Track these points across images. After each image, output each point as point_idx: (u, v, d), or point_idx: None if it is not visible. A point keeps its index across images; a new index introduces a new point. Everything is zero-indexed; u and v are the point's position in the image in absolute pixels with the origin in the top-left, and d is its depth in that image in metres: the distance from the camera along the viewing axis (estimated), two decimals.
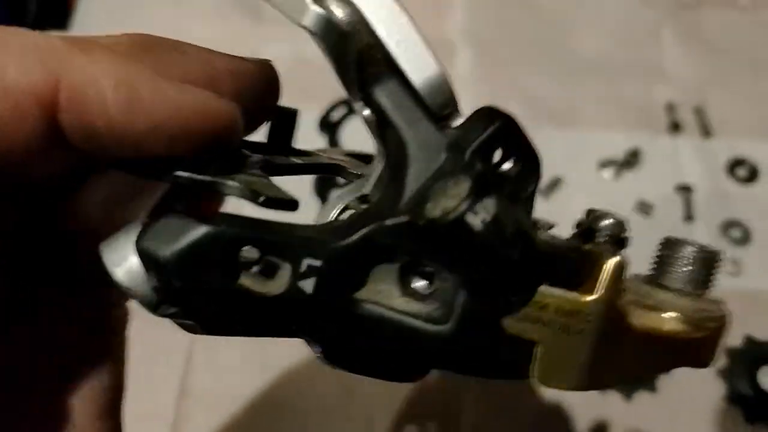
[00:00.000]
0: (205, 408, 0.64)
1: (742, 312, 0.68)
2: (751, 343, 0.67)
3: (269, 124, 0.32)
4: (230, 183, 0.24)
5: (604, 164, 0.78)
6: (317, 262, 0.24)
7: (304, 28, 0.26)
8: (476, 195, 0.24)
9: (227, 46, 0.33)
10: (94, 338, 0.31)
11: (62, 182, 0.28)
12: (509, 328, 0.26)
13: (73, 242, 0.29)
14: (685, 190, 0.76)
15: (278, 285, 0.24)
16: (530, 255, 0.25)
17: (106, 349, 0.32)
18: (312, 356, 0.28)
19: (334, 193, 0.30)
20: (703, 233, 0.74)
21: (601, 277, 0.26)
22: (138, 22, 0.81)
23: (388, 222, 0.25)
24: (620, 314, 0.27)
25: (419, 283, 0.26)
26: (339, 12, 0.26)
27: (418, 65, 0.26)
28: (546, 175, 0.76)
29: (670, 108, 0.81)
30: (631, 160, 0.78)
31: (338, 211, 0.28)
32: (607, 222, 0.28)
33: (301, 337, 0.26)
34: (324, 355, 0.26)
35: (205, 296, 0.24)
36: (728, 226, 0.74)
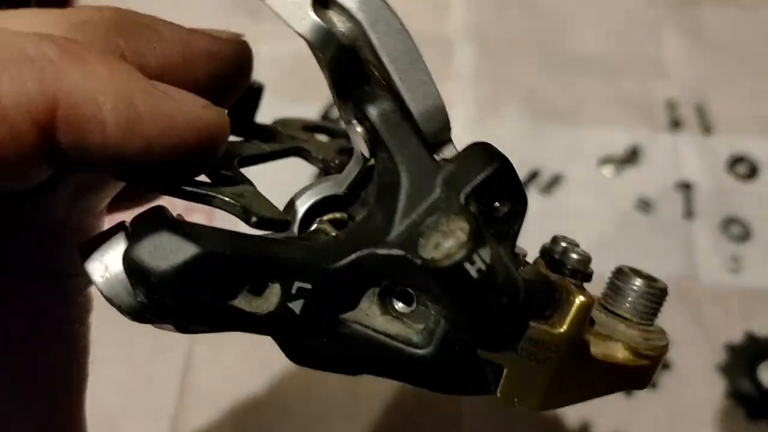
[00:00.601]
0: (205, 406, 0.64)
1: (742, 309, 0.69)
2: (751, 339, 0.67)
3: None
4: (225, 199, 0.25)
5: (605, 161, 0.78)
6: (307, 285, 0.25)
7: (302, 37, 0.25)
8: (474, 243, 0.24)
9: None
10: (55, 328, 0.30)
11: (40, 185, 0.27)
12: (482, 354, 0.27)
13: (36, 232, 0.29)
14: (685, 187, 0.76)
15: (267, 304, 0.25)
16: (517, 301, 0.26)
17: (68, 339, 0.31)
18: None
19: (303, 188, 0.30)
20: (704, 230, 0.74)
21: (569, 313, 0.27)
22: None
23: (381, 251, 0.25)
24: (583, 346, 0.28)
25: (399, 305, 0.27)
26: (341, 25, 0.26)
27: (417, 92, 0.26)
28: (546, 172, 0.77)
29: (671, 105, 0.81)
30: (631, 157, 0.78)
31: (308, 206, 0.28)
32: (574, 256, 0.29)
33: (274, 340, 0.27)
34: (294, 359, 0.27)
35: (194, 312, 0.24)
36: (728, 222, 0.74)
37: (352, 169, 0.29)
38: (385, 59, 0.25)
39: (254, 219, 0.24)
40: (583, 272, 0.29)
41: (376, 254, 0.25)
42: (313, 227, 0.28)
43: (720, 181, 0.77)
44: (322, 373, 0.27)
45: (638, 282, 0.30)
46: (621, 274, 0.30)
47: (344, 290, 0.26)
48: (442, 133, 0.26)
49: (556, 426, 0.64)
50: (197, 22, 0.29)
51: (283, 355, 0.27)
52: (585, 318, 0.28)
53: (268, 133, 0.33)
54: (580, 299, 0.27)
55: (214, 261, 0.23)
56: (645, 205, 0.75)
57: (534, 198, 0.75)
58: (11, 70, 0.21)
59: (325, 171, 0.32)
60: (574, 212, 0.75)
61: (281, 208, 0.28)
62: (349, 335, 0.26)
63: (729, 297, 0.70)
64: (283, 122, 0.34)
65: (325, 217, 0.28)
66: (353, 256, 0.25)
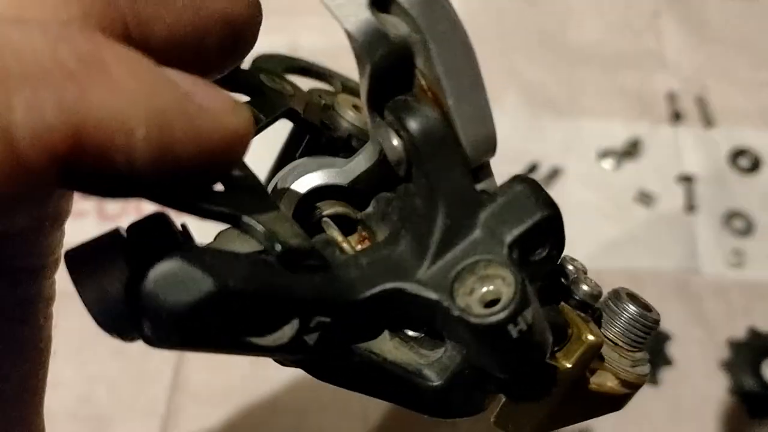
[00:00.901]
0: (197, 402, 0.63)
1: (745, 303, 0.68)
2: (754, 335, 0.66)
3: None
4: (247, 221, 0.22)
5: (604, 154, 0.77)
6: (327, 319, 0.23)
7: (349, 34, 0.23)
8: (520, 305, 0.22)
9: None
10: (9, 325, 0.27)
11: None
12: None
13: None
14: (686, 180, 0.75)
15: (281, 337, 0.22)
16: (545, 356, 0.25)
17: (25, 336, 0.28)
18: None
19: (295, 163, 0.28)
20: (705, 224, 0.73)
21: (577, 351, 0.26)
22: None
23: (411, 289, 0.24)
24: (584, 379, 0.28)
25: (411, 332, 0.26)
26: (393, 29, 0.23)
27: (471, 116, 0.23)
28: (545, 165, 0.76)
29: (671, 97, 0.80)
30: (631, 150, 0.77)
31: (307, 191, 0.27)
32: (585, 288, 0.28)
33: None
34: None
35: (201, 345, 0.22)
36: (730, 216, 0.73)
37: (360, 163, 0.27)
38: (441, 75, 0.23)
39: (278, 248, 0.22)
40: (591, 306, 0.28)
41: (404, 292, 0.24)
42: (317, 217, 0.27)
43: (722, 175, 0.76)
44: None
45: (632, 309, 0.29)
46: (617, 298, 0.29)
47: (363, 322, 0.24)
48: (484, 157, 0.24)
49: None
50: None
51: None
52: (592, 356, 0.27)
53: (253, 85, 0.29)
54: (590, 339, 0.26)
55: (233, 298, 0.21)
56: (646, 199, 0.74)
57: None
58: (26, 93, 0.17)
59: (310, 132, 0.30)
60: (573, 206, 0.73)
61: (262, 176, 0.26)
62: (359, 363, 0.25)
63: (731, 291, 0.69)
64: (264, 65, 0.31)
65: (329, 210, 0.27)
66: (378, 289, 0.24)
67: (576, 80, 0.82)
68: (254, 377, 0.63)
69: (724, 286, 0.69)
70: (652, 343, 0.66)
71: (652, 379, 0.65)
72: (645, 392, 0.67)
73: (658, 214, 0.73)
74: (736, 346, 0.66)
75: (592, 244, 0.71)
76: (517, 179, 0.25)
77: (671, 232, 0.72)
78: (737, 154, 0.77)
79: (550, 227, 0.24)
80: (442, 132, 0.24)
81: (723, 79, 0.82)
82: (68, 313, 0.30)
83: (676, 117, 0.79)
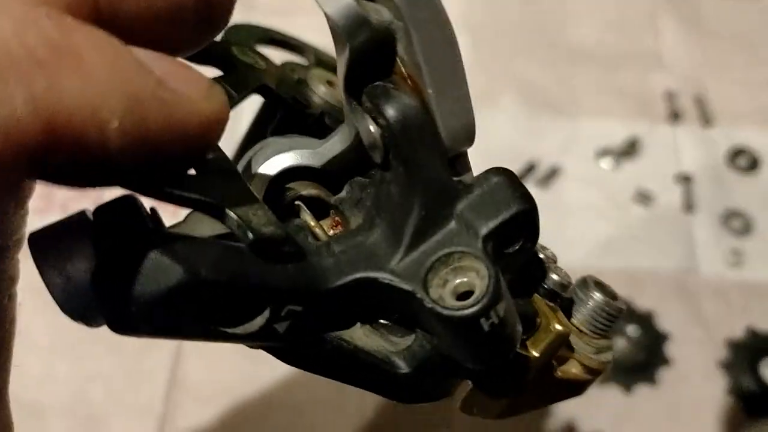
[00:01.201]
0: (195, 399, 0.63)
1: (744, 303, 0.68)
2: (753, 334, 0.66)
3: None
4: (230, 214, 0.21)
5: (603, 153, 0.77)
6: (298, 307, 0.23)
7: (330, 18, 0.22)
8: (493, 299, 0.22)
9: None
10: None
11: None
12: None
13: None
14: (685, 179, 0.75)
15: (252, 326, 0.22)
16: (514, 349, 0.25)
17: None
18: None
19: (267, 142, 0.27)
20: (704, 223, 0.73)
21: (545, 340, 0.27)
22: None
23: (384, 279, 0.24)
24: (551, 367, 0.28)
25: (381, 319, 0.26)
26: (380, 14, 0.23)
27: (451, 105, 0.23)
28: (543, 165, 0.76)
29: (669, 96, 0.80)
30: (629, 150, 0.77)
31: (279, 171, 0.26)
32: (554, 277, 0.28)
33: None
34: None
35: (170, 334, 0.21)
36: (729, 216, 0.73)
37: (335, 146, 0.27)
38: (422, 63, 0.23)
39: (251, 236, 0.21)
40: (560, 296, 0.28)
41: (377, 281, 0.24)
42: (289, 199, 0.26)
43: (720, 174, 0.76)
44: None
45: (598, 297, 0.29)
46: (584, 286, 0.30)
47: (335, 311, 0.24)
48: (462, 147, 0.24)
49: (554, 423, 0.63)
50: None
51: None
52: (560, 346, 0.27)
53: (225, 58, 0.29)
54: (557, 329, 0.27)
55: (205, 288, 0.20)
56: (644, 198, 0.74)
57: (531, 191, 0.74)
58: None
59: (282, 108, 0.29)
60: (572, 206, 0.73)
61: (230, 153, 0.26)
62: (330, 350, 0.24)
63: (730, 291, 0.69)
64: (236, 37, 0.30)
65: (302, 192, 0.26)
66: (350, 278, 0.23)
67: (574, 80, 0.82)
68: (251, 374, 0.63)
69: (722, 285, 0.69)
70: (650, 343, 0.66)
71: (650, 378, 0.65)
72: (643, 392, 0.67)
73: (656, 213, 0.73)
74: (735, 346, 0.66)
75: (590, 244, 0.70)
76: (493, 170, 0.25)
77: (670, 231, 0.72)
78: (736, 153, 0.77)
79: (526, 221, 0.24)
80: (420, 120, 0.23)
81: (722, 79, 0.82)
82: None
83: (675, 116, 0.79)
